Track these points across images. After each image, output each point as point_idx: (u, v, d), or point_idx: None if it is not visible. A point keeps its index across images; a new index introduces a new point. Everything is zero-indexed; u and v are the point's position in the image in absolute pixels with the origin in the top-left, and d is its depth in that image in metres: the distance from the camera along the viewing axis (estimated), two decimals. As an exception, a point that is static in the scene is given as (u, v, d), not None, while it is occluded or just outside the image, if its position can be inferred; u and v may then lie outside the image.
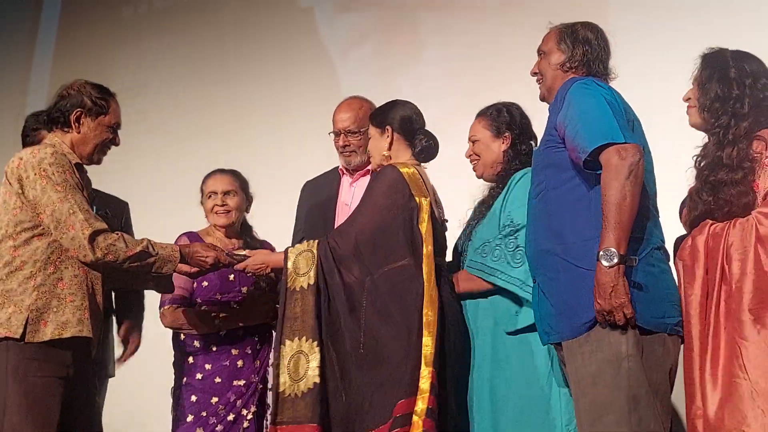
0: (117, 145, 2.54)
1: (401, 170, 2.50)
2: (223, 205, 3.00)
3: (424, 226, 2.41)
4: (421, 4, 4.61)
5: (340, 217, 2.83)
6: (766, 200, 2.10)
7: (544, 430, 2.36)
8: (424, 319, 2.30)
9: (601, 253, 2.02)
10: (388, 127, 2.63)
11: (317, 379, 2.31)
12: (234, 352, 2.92)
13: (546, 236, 2.22)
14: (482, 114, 2.73)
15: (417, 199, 2.45)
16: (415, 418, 2.24)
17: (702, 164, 2.19)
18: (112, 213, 2.95)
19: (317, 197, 2.96)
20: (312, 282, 2.40)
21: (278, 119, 4.83)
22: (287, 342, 2.37)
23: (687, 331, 2.12)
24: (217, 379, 2.89)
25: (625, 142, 2.06)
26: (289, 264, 2.45)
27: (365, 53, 4.74)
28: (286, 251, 2.50)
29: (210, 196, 3.03)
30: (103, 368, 3.07)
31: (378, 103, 2.89)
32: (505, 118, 2.68)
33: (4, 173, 2.36)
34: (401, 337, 2.31)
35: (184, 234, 3.01)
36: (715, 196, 2.12)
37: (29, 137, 2.89)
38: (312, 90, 4.75)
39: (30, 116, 2.92)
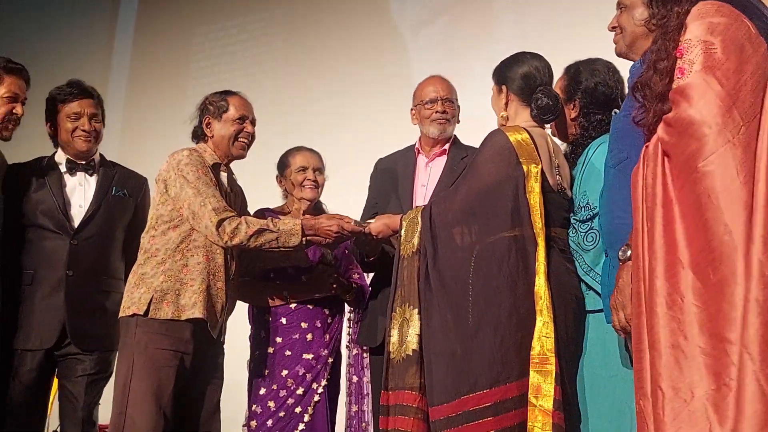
0: (250, 133, 2.82)
1: (509, 135, 2.34)
2: (314, 180, 3.08)
3: (534, 196, 2.25)
4: (495, -19, 4.55)
5: (418, 199, 2.77)
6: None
7: (612, 409, 2.27)
8: (537, 301, 2.16)
9: None
10: (503, 86, 2.49)
11: (416, 346, 2.26)
12: (303, 325, 2.96)
13: (624, 209, 2.07)
14: (564, 71, 2.55)
15: (525, 166, 2.28)
16: (541, 413, 2.10)
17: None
18: (131, 187, 3.02)
19: (392, 175, 2.93)
20: (415, 249, 2.35)
21: (347, 97, 4.85)
22: (398, 309, 2.33)
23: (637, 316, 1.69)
24: (287, 353, 2.93)
25: None
26: (402, 231, 2.41)
27: (436, 31, 4.70)
28: (401, 218, 2.47)
29: (300, 171, 3.08)
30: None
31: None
32: (577, 83, 2.48)
33: (156, 178, 2.73)
34: (495, 317, 2.18)
35: (260, 210, 3.05)
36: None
37: (48, 108, 2.96)
38: (382, 67, 4.75)
39: (55, 89, 3.00)
